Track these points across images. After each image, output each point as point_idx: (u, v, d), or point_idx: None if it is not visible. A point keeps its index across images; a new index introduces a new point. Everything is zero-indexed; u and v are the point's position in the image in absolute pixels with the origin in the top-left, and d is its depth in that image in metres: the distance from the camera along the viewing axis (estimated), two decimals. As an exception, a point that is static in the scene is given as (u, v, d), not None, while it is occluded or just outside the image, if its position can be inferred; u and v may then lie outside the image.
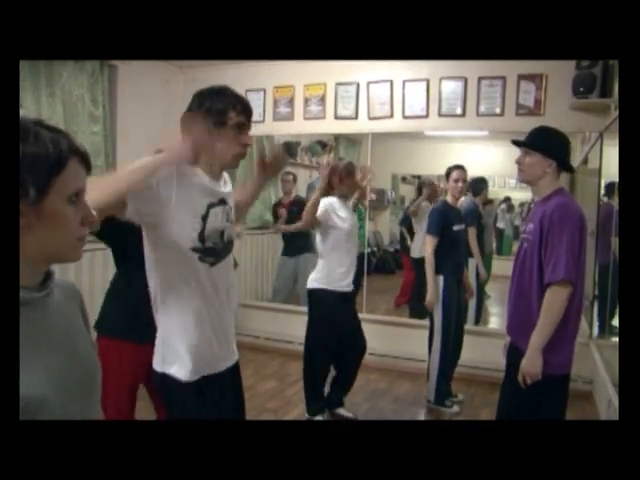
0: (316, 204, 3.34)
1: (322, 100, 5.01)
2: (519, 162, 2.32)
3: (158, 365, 1.75)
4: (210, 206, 1.68)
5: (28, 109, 3.92)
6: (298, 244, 5.43)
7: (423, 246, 4.06)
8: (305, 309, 4.26)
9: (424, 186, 5.28)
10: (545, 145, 2.27)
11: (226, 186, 1.80)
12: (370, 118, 4.84)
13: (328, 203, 3.38)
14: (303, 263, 5.43)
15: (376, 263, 6.47)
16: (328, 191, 3.41)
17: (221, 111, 1.61)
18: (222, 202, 1.73)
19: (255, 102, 5.12)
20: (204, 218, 1.66)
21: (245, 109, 1.66)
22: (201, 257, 1.68)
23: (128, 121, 4.89)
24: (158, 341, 1.77)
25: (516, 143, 2.35)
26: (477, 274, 4.65)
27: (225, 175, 1.82)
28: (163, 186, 1.56)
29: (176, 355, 1.72)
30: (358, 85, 4.88)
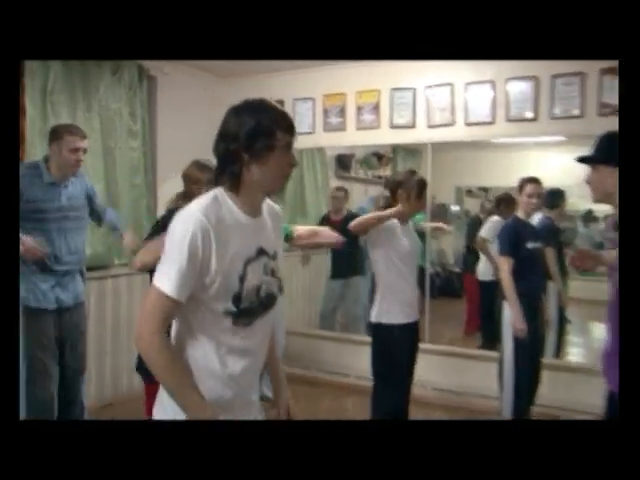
0: (382, 219, 3.13)
1: (376, 108, 4.89)
2: (589, 182, 2.04)
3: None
4: (247, 263, 1.58)
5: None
6: (347, 265, 5.28)
7: (497, 269, 3.87)
8: (362, 338, 4.25)
9: (502, 202, 4.99)
10: (612, 154, 1.89)
11: (267, 223, 1.68)
12: (429, 126, 4.70)
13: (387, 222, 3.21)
14: (353, 287, 5.29)
15: (440, 285, 6.26)
16: (390, 206, 3.23)
17: (268, 133, 1.51)
18: (260, 253, 1.62)
19: (303, 112, 5.13)
20: (242, 279, 1.56)
21: (291, 125, 1.57)
22: (235, 320, 1.59)
23: (169, 135, 4.89)
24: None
25: (582, 160, 2.06)
26: (557, 300, 4.38)
27: (265, 204, 1.70)
28: (204, 256, 1.49)
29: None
30: (415, 90, 4.75)
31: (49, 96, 3.94)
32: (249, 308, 1.58)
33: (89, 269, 4.03)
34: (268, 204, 1.71)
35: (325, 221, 5.36)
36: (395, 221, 3.19)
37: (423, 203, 3.32)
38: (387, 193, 3.29)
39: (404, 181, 3.19)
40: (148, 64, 4.67)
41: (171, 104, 4.93)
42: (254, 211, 1.61)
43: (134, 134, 4.61)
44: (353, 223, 3.11)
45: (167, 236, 1.50)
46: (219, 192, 1.55)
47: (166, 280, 1.47)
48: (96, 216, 3.50)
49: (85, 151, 3.14)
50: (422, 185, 3.21)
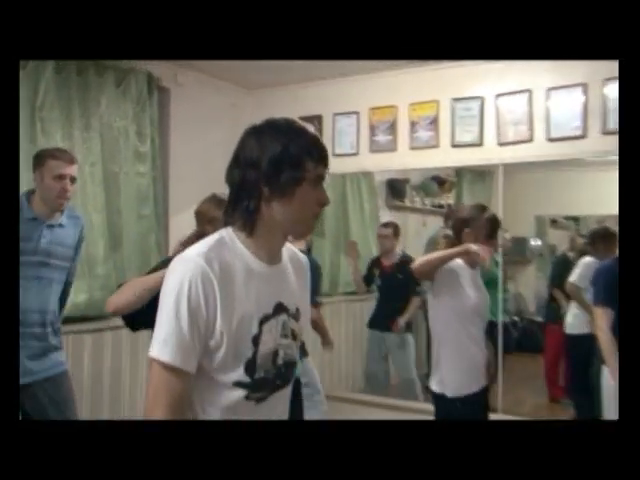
0: (446, 259, 2.89)
1: (434, 123, 4.39)
2: None
3: None
4: (263, 321, 1.44)
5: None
6: (393, 314, 4.77)
7: (591, 321, 3.52)
8: (413, 404, 4.18)
9: (598, 238, 4.38)
10: None
11: (288, 272, 1.56)
12: (500, 144, 4.17)
13: (453, 263, 2.94)
14: (402, 342, 4.79)
15: (518, 338, 5.69)
16: (452, 244, 3.03)
17: (296, 162, 1.39)
18: (279, 310, 1.48)
19: (346, 129, 4.77)
20: (255, 340, 1.42)
21: (323, 154, 1.45)
22: (248, 395, 1.44)
23: (183, 158, 4.56)
24: None
25: None
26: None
27: (287, 250, 1.57)
28: (207, 310, 1.37)
29: None
30: (482, 100, 4.23)
31: (38, 112, 3.58)
32: (264, 379, 1.46)
33: (84, 319, 3.70)
34: (290, 250, 1.59)
35: (375, 266, 4.95)
36: (461, 264, 2.96)
37: (494, 245, 3.10)
38: (449, 232, 3.11)
39: (471, 218, 3.01)
40: (159, 73, 4.34)
41: (187, 121, 4.61)
42: (271, 257, 1.48)
43: (142, 157, 4.25)
44: (416, 264, 2.92)
45: (161, 291, 1.38)
46: (226, 233, 1.44)
47: (163, 346, 1.33)
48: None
49: (74, 179, 2.85)
50: (494, 224, 3.02)
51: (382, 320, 4.83)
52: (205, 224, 2.49)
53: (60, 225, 2.86)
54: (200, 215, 2.57)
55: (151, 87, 4.28)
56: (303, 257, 1.65)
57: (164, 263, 2.47)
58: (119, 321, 3.78)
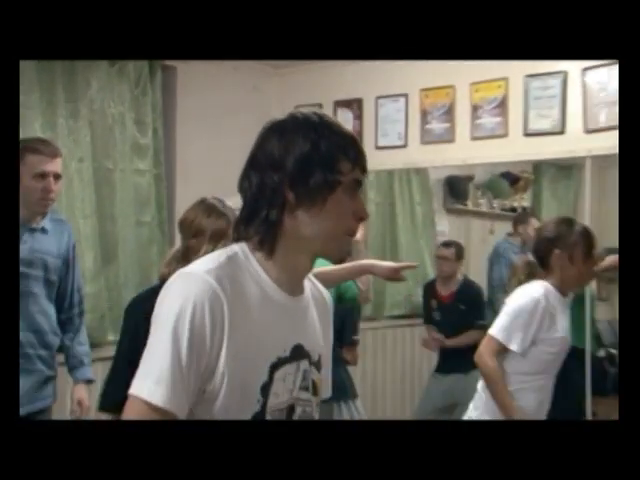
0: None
1: (502, 106, 3.97)
2: None
3: None
4: (276, 366, 1.28)
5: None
6: (461, 355, 4.24)
7: None
8: None
9: None
10: None
11: (311, 308, 1.43)
12: (588, 131, 3.72)
13: (542, 298, 2.62)
14: (471, 384, 4.05)
15: (616, 376, 5.11)
16: (533, 276, 2.76)
17: (329, 162, 1.26)
18: (298, 354, 1.33)
19: (392, 116, 4.32)
20: (265, 389, 1.26)
21: (361, 154, 1.34)
22: None
23: (192, 153, 4.25)
24: None
25: None
26: None
27: (309, 283, 1.43)
28: (212, 342, 1.23)
29: None
30: (565, 76, 3.76)
31: (14, 96, 3.32)
32: None
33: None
34: (311, 283, 1.46)
35: (430, 294, 4.51)
36: (555, 295, 2.67)
37: (593, 266, 2.86)
38: (530, 257, 2.88)
39: (560, 236, 2.75)
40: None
41: (197, 107, 4.26)
42: (294, 285, 1.34)
43: (142, 151, 4.00)
44: (480, 364, 2.68)
45: (154, 315, 1.25)
46: (241, 249, 1.30)
47: (152, 384, 1.18)
48: (59, 298, 2.87)
49: (58, 176, 2.70)
50: (590, 238, 2.79)
51: (445, 362, 4.33)
52: (190, 237, 2.32)
53: (43, 230, 2.72)
54: (184, 225, 2.37)
55: (153, 66, 3.99)
56: (326, 293, 1.52)
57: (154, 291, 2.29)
58: (110, 351, 3.51)
